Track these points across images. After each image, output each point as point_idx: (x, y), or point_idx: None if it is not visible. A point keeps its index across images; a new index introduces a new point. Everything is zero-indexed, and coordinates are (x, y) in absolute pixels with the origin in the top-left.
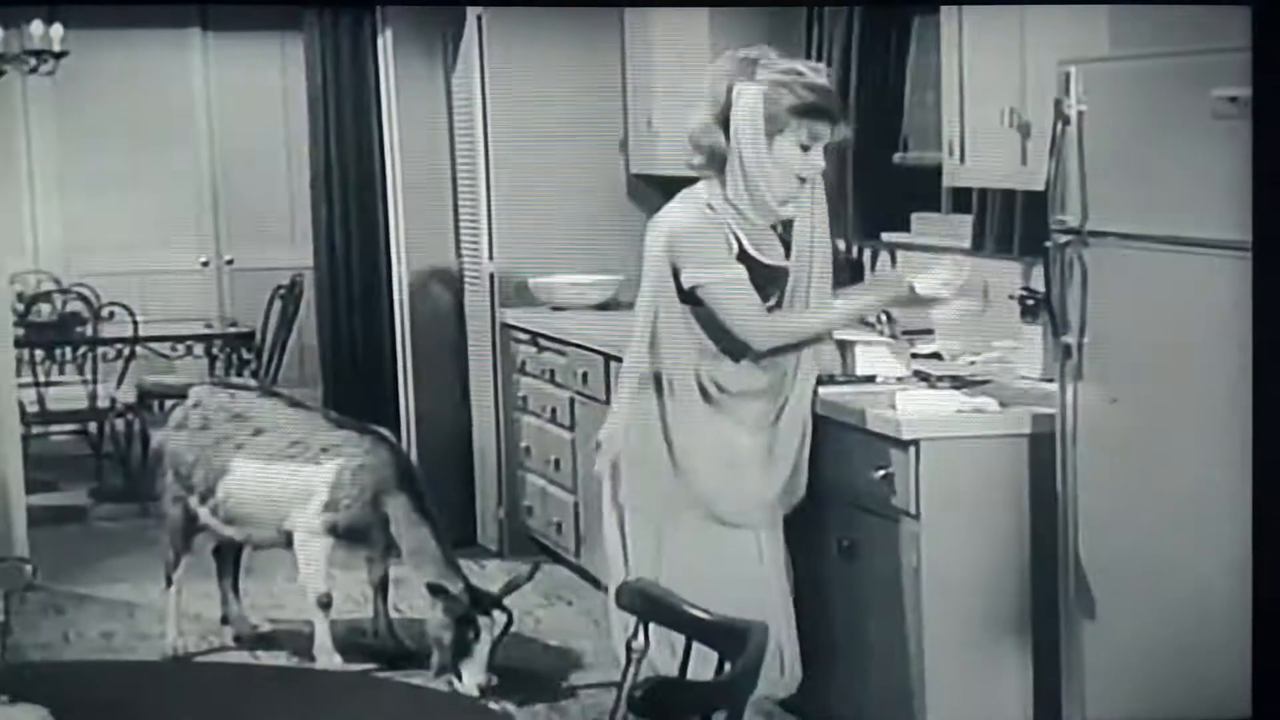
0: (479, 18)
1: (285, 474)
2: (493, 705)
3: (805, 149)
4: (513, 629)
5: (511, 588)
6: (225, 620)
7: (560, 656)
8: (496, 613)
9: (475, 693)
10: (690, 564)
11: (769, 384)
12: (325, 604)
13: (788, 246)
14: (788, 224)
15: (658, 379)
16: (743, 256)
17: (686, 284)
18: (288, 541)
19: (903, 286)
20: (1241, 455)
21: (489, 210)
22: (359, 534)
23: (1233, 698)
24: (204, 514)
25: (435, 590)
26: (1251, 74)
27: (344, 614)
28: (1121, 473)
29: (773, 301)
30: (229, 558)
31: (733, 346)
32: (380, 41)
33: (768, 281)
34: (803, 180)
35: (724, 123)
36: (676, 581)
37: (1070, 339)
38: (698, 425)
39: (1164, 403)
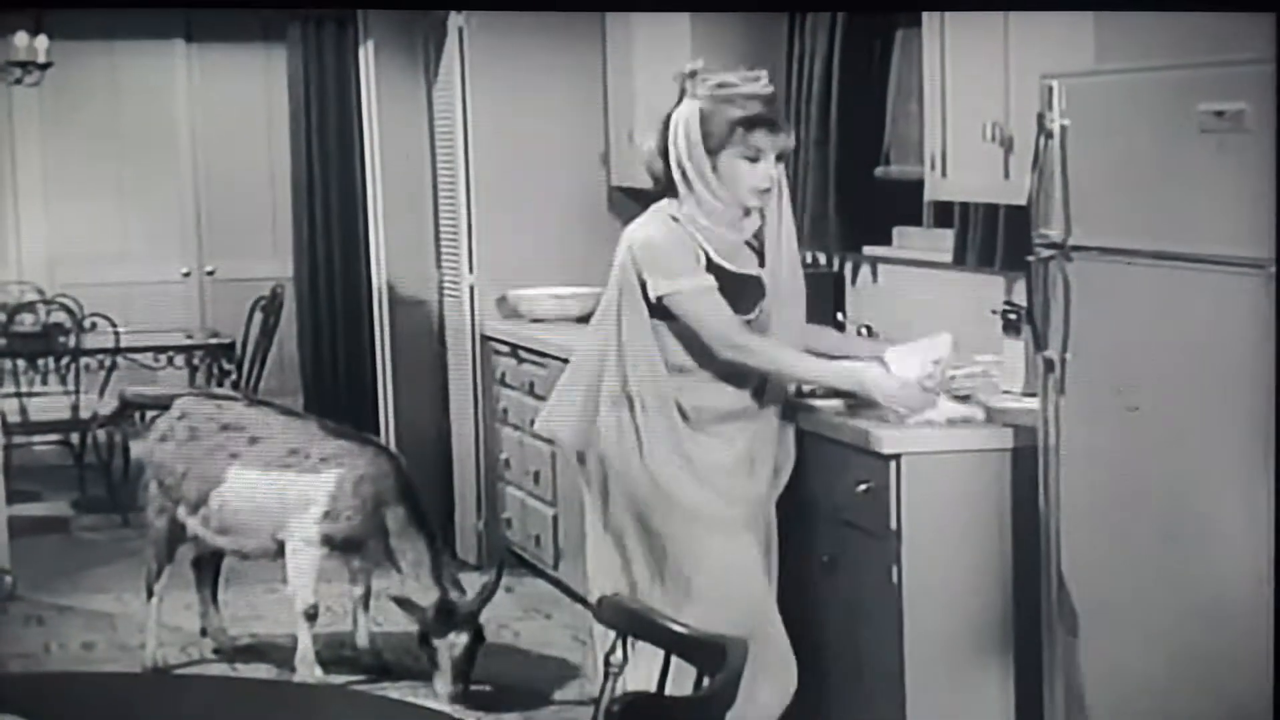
0: (460, 30)
1: (283, 482)
2: (467, 716)
3: (753, 161)
4: (486, 639)
5: (488, 594)
6: (204, 632)
7: (539, 668)
8: (453, 635)
9: (446, 702)
10: (685, 571)
11: (739, 401)
12: (312, 615)
13: (761, 255)
14: (758, 232)
15: (630, 398)
16: (711, 267)
17: (654, 295)
18: (279, 551)
19: (868, 382)
20: (1232, 468)
21: (469, 222)
22: (355, 545)
23: (1230, 710)
24: (194, 524)
25: (400, 603)
26: (1276, 82)
27: (324, 626)
28: (1104, 487)
29: (751, 315)
30: (208, 570)
31: (702, 361)
32: (362, 53)
33: (742, 291)
34: (764, 191)
35: (665, 146)
36: (675, 590)
37: (1053, 354)
38: (675, 443)
39: (1147, 417)
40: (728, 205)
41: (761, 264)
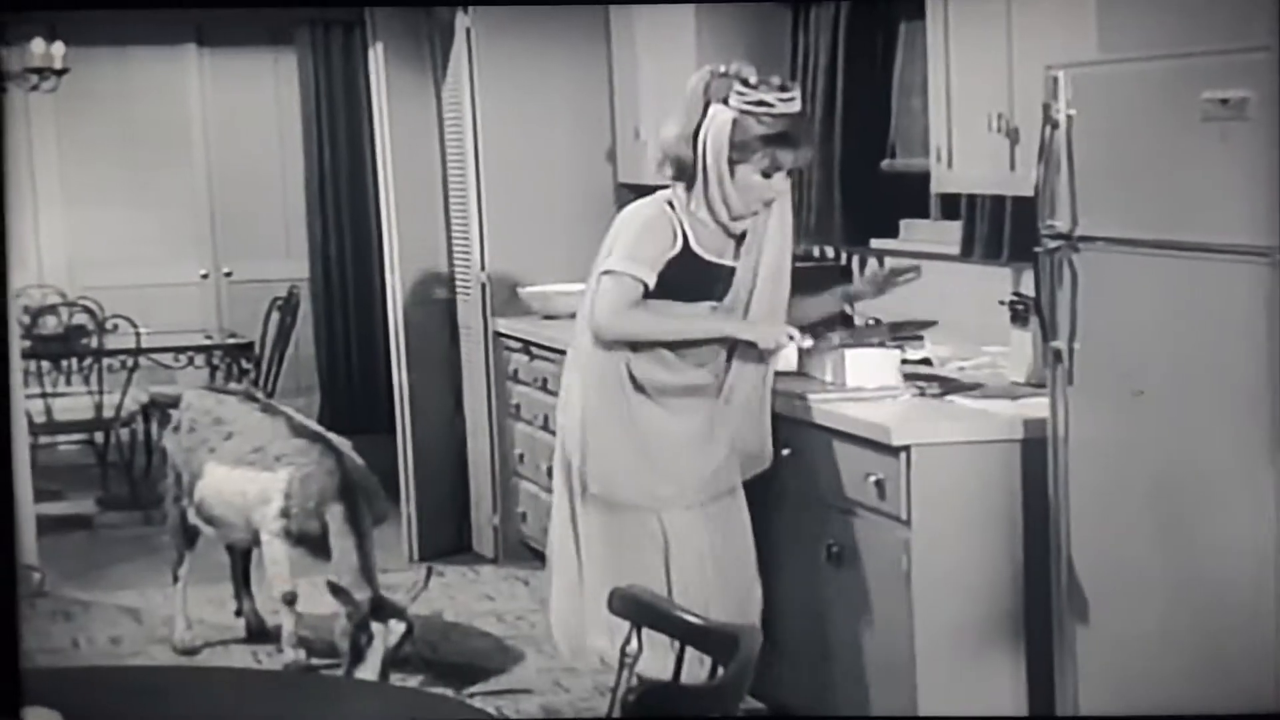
0: (467, 30)
1: (246, 480)
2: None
3: (767, 175)
4: (412, 639)
5: (418, 593)
6: (238, 613)
7: (554, 659)
8: (393, 622)
9: None
10: (641, 554)
11: (696, 378)
12: (290, 601)
13: (737, 248)
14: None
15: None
16: (685, 251)
17: (601, 267)
18: (258, 541)
19: (728, 328)
20: (1239, 456)
21: (480, 220)
22: (310, 541)
23: (1244, 694)
24: (190, 514)
25: (334, 590)
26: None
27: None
28: (1113, 476)
29: (715, 300)
30: (238, 554)
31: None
32: (371, 55)
33: (711, 279)
34: (769, 202)
35: (694, 138)
36: (633, 574)
37: (1060, 344)
38: (621, 408)
39: (1155, 405)
40: (730, 208)
41: (737, 256)
